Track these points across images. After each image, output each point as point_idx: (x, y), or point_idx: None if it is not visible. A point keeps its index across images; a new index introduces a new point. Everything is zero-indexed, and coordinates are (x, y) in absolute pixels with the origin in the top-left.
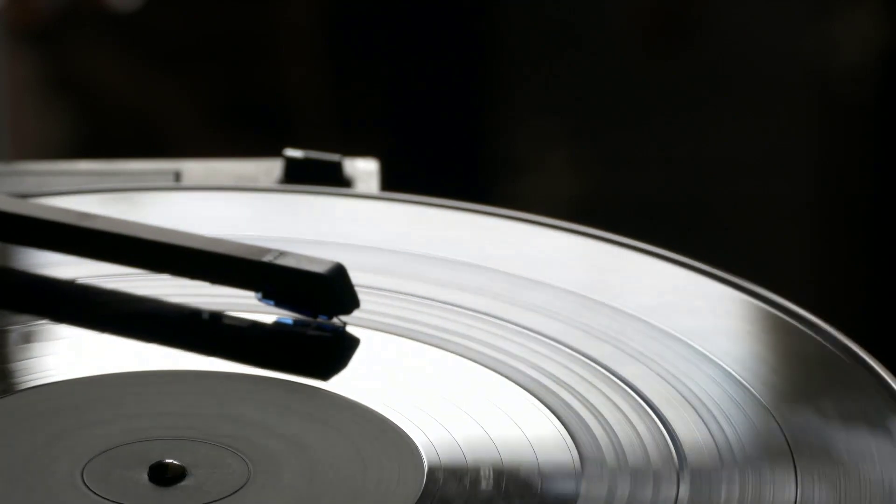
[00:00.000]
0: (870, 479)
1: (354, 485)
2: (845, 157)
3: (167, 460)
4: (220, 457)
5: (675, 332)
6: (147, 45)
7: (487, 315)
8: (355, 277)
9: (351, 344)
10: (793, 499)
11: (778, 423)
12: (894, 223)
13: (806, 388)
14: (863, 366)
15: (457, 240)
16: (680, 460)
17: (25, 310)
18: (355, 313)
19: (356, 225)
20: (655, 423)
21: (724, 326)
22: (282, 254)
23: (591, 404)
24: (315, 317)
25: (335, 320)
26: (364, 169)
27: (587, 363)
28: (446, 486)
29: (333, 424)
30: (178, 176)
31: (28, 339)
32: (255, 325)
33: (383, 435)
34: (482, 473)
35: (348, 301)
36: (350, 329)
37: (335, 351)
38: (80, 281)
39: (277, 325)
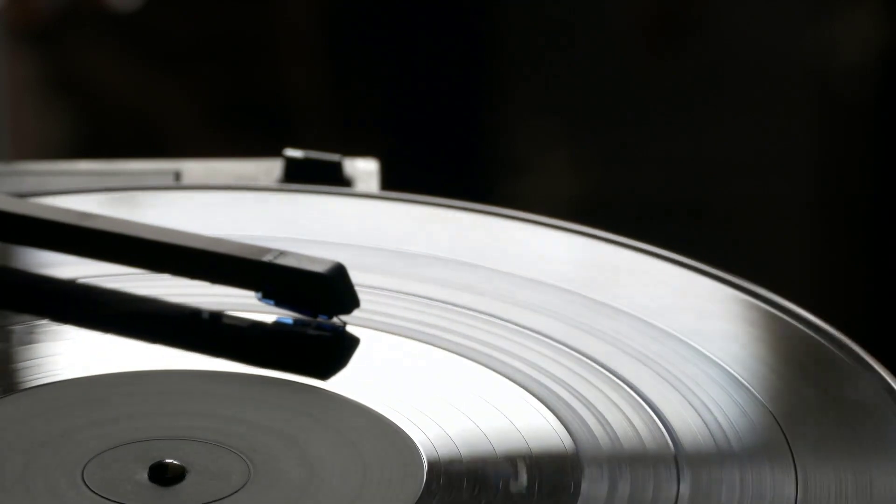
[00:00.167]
0: (870, 479)
1: (354, 485)
2: (845, 157)
3: (167, 460)
4: (220, 457)
5: (675, 331)
6: (147, 45)
7: (487, 315)
8: (355, 277)
9: (351, 344)
10: (793, 498)
11: (778, 423)
12: (894, 223)
13: (805, 388)
14: (862, 365)
15: (457, 239)
16: (680, 459)
17: (26, 310)
18: (355, 313)
19: (356, 225)
20: (655, 422)
21: (724, 326)
22: (282, 254)
23: (591, 404)
24: (315, 316)
25: (335, 320)
26: (364, 169)
27: (587, 363)
28: (446, 486)
29: (333, 424)
30: (178, 176)
31: (28, 338)
32: (255, 325)
33: (383, 435)
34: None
35: (348, 301)
36: (350, 329)
37: (335, 351)
38: (81, 281)
39: (277, 325)
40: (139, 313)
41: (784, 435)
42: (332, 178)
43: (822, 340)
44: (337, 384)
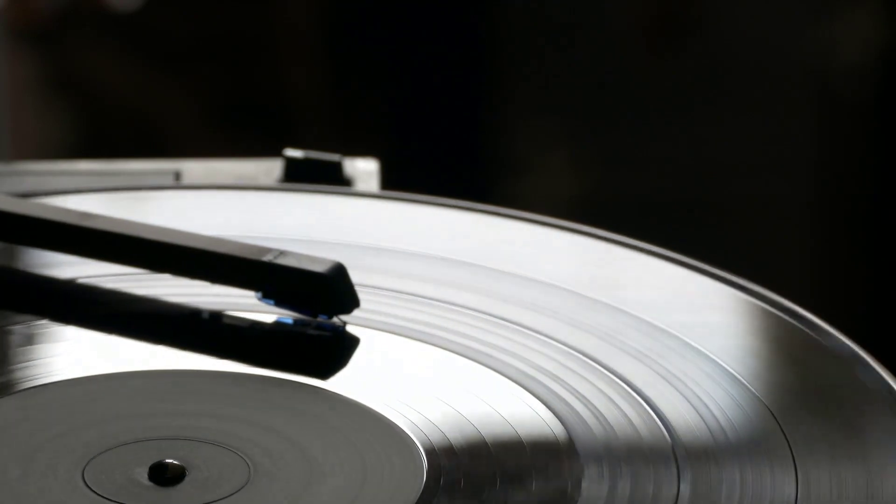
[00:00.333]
0: (870, 478)
1: (354, 485)
2: (845, 157)
3: (167, 460)
4: (220, 457)
5: (674, 330)
6: (147, 45)
7: (487, 314)
8: (355, 277)
9: (351, 344)
10: (793, 497)
11: (777, 422)
12: (894, 223)
13: (805, 387)
14: (862, 364)
15: (457, 239)
16: (680, 459)
17: (26, 310)
18: (355, 313)
19: (356, 225)
20: (656, 422)
21: (724, 325)
22: (282, 253)
23: (592, 403)
24: (315, 316)
25: (335, 320)
26: (364, 169)
27: (588, 362)
28: (446, 486)
29: (333, 424)
30: (178, 176)
31: (28, 338)
32: (255, 325)
33: (383, 435)
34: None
35: (348, 301)
36: (350, 329)
37: (335, 351)
38: (81, 281)
39: (277, 325)
40: (139, 313)
41: (783, 433)
42: (332, 178)
43: (822, 340)
44: (337, 384)
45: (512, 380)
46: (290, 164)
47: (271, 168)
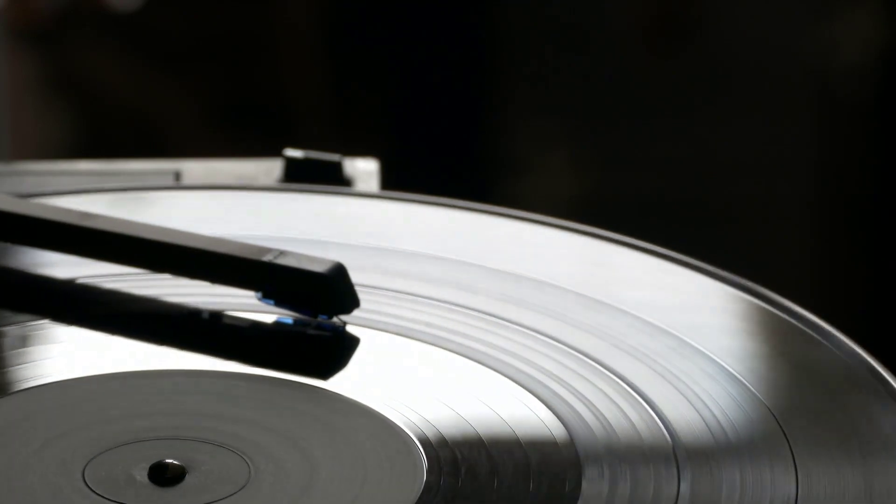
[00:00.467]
0: (870, 478)
1: (354, 485)
2: (845, 157)
3: (167, 460)
4: (220, 457)
5: (674, 330)
6: (147, 45)
7: (487, 314)
8: (355, 277)
9: (351, 344)
10: (793, 497)
11: (777, 422)
12: (894, 223)
13: (805, 387)
14: (862, 365)
15: (457, 239)
16: (680, 458)
17: (25, 309)
18: (355, 313)
19: (356, 225)
20: (656, 422)
21: (725, 325)
22: (282, 253)
23: (592, 403)
24: (315, 316)
25: (335, 320)
26: (364, 169)
27: (588, 362)
28: (446, 486)
29: (333, 424)
30: (178, 176)
31: (28, 338)
32: (255, 325)
33: (383, 434)
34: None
35: (348, 301)
36: (350, 329)
37: (335, 351)
38: (81, 281)
39: (277, 325)
40: (139, 313)
41: (783, 432)
42: (332, 178)
43: (822, 339)
44: (337, 384)
45: (512, 379)
46: (290, 164)
47: (271, 168)
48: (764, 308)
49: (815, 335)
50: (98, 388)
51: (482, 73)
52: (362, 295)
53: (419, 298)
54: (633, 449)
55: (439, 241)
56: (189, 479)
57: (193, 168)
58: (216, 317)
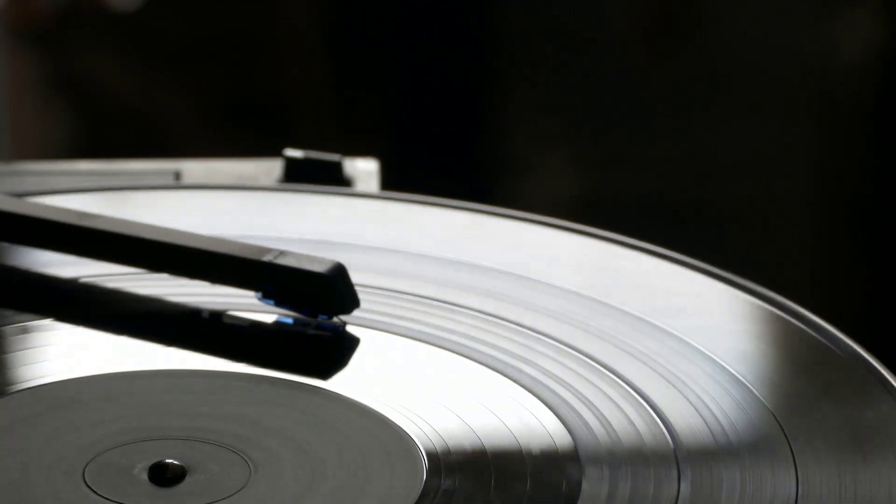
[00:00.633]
0: (870, 478)
1: (354, 485)
2: (845, 157)
3: (167, 460)
4: (220, 457)
5: (675, 331)
6: (147, 45)
7: (487, 314)
8: (355, 277)
9: (351, 344)
10: (793, 497)
11: (777, 422)
12: (894, 223)
13: (806, 387)
14: (862, 365)
15: (456, 239)
16: (681, 459)
17: (26, 309)
18: (355, 313)
19: (356, 225)
20: (656, 422)
21: (725, 325)
22: (282, 253)
23: (592, 403)
24: (315, 316)
25: (335, 320)
26: (364, 169)
27: (588, 362)
28: (446, 486)
29: (333, 424)
30: (178, 176)
31: (28, 338)
32: (255, 325)
33: (383, 435)
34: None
35: (348, 301)
36: (350, 329)
37: (335, 351)
38: (81, 280)
39: (277, 325)
40: (139, 313)
41: (784, 433)
42: (332, 178)
43: (823, 339)
44: (337, 384)
45: (511, 380)
46: (290, 164)
47: (271, 168)
48: (764, 308)
49: (815, 335)
50: (98, 387)
51: (482, 73)
52: (362, 295)
53: (419, 298)
54: (632, 449)
55: (439, 241)
56: (189, 479)
57: (193, 168)
58: (216, 317)
